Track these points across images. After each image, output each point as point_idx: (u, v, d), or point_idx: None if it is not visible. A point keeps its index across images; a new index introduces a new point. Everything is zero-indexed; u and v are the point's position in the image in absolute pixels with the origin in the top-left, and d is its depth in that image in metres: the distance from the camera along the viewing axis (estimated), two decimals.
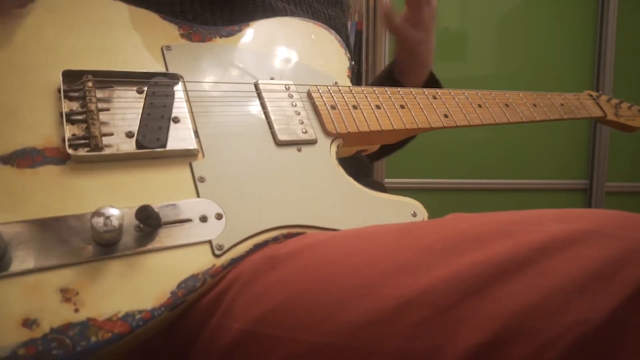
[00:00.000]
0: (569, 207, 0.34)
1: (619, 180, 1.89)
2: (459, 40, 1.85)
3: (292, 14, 0.61)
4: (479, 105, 0.63)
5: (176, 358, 0.38)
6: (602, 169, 1.85)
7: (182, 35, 0.50)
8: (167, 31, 0.49)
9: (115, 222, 0.34)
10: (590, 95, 0.81)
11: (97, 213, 0.34)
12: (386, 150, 0.72)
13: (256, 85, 0.50)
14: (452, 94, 0.62)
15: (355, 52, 1.72)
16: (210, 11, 0.54)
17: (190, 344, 0.36)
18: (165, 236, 0.36)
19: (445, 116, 0.59)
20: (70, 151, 0.37)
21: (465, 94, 0.63)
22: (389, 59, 1.76)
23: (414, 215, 0.48)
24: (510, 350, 0.26)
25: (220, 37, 0.53)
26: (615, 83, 1.80)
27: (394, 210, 0.48)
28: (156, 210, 0.35)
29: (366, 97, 0.55)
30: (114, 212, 0.34)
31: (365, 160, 0.74)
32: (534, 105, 0.70)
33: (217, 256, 0.37)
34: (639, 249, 0.27)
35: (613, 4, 1.76)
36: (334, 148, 0.50)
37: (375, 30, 1.70)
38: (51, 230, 0.34)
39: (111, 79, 0.42)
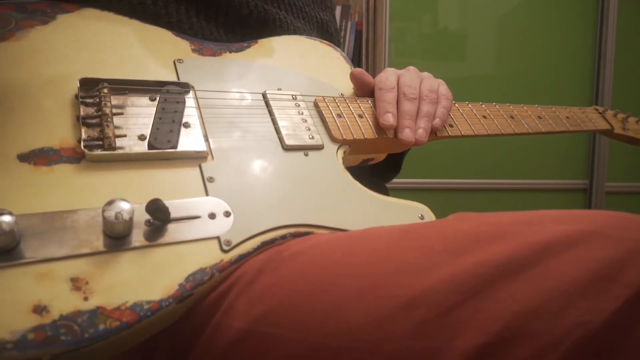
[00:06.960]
0: (569, 207, 0.34)
1: (619, 180, 1.85)
2: (458, 40, 1.85)
3: (284, 19, 0.62)
4: (484, 117, 0.64)
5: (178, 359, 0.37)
6: (602, 169, 1.83)
7: (193, 50, 0.53)
8: (179, 46, 0.52)
9: (126, 215, 0.34)
10: (596, 110, 0.81)
11: (109, 206, 0.34)
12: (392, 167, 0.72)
13: (264, 95, 0.52)
14: (457, 105, 0.63)
15: (355, 52, 1.73)
16: (205, 18, 0.56)
17: (192, 344, 0.36)
18: (174, 231, 0.37)
19: (451, 126, 0.60)
20: (85, 151, 0.39)
21: (470, 106, 0.65)
22: (389, 59, 1.76)
23: (422, 218, 0.48)
24: (511, 352, 0.26)
25: (230, 52, 0.55)
26: (615, 83, 1.78)
27: (401, 213, 0.48)
28: (166, 204, 0.36)
29: (371, 107, 0.56)
30: (125, 205, 0.35)
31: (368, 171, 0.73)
32: (539, 117, 0.70)
33: (225, 251, 0.37)
34: None
35: (613, 4, 1.75)
36: (340, 154, 0.50)
37: (375, 30, 1.71)
38: (64, 223, 0.34)
39: (125, 86, 0.44)
